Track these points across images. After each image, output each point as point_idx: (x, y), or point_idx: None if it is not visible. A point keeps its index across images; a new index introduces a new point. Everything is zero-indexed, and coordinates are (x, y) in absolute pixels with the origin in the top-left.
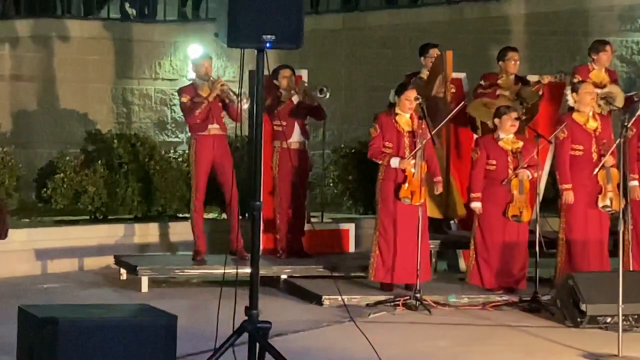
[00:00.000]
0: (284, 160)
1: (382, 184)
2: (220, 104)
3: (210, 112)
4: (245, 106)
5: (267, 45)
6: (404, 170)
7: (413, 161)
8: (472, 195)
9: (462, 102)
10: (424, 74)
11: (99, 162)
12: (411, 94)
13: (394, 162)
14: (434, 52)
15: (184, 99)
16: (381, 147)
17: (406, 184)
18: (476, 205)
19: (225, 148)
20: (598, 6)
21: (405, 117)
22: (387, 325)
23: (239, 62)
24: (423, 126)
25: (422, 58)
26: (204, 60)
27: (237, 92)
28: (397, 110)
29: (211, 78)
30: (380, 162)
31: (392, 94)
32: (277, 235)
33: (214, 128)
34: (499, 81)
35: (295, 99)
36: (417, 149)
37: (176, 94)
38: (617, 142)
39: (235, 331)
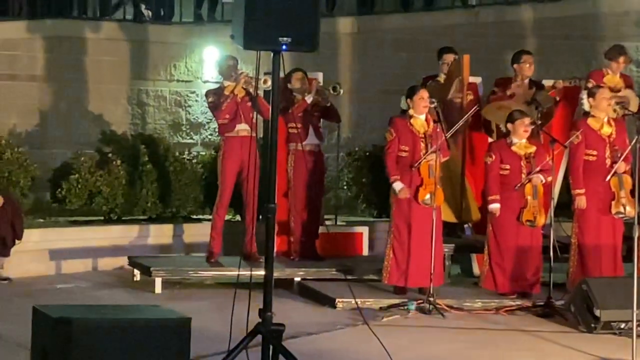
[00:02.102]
0: (299, 162)
1: None
2: (249, 103)
3: (239, 110)
4: (265, 86)
5: (283, 47)
6: (420, 173)
7: (426, 161)
8: (490, 197)
9: (475, 106)
10: (441, 77)
11: (114, 163)
12: (424, 93)
13: (397, 186)
14: (448, 57)
15: (211, 99)
16: (397, 153)
17: (423, 187)
18: (495, 206)
19: (253, 150)
20: (613, 11)
21: (420, 120)
22: (401, 329)
23: (255, 65)
24: (438, 130)
25: (439, 62)
26: (228, 59)
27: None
28: (412, 112)
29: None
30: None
31: (402, 101)
32: (291, 237)
33: (242, 129)
34: (513, 84)
35: (308, 98)
36: (429, 151)
37: (191, 95)
38: (631, 145)
39: (248, 333)
